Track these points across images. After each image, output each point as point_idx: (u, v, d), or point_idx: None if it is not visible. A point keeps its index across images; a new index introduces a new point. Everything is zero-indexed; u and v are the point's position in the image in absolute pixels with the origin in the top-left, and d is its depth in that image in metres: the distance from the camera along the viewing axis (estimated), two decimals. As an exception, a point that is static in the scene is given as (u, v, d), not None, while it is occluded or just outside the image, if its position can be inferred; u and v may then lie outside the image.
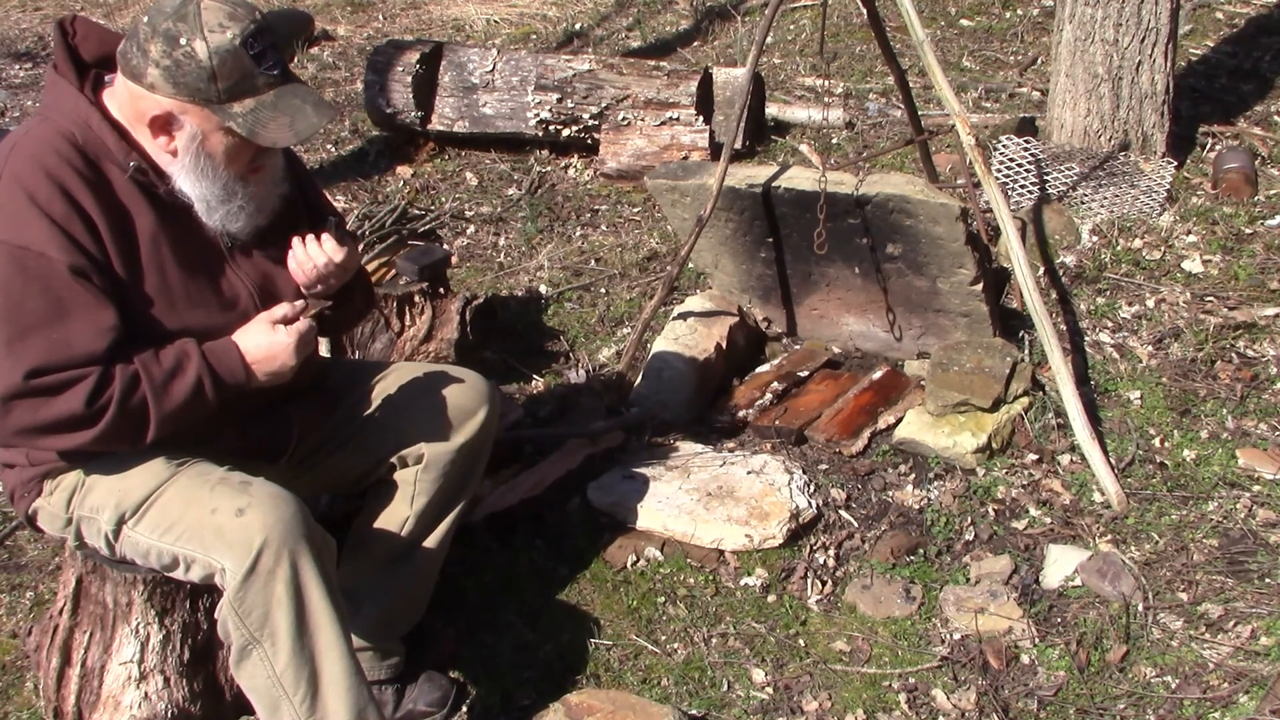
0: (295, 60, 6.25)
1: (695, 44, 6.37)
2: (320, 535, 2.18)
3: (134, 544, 2.22)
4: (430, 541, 2.57)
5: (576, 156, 5.15)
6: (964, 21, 6.31)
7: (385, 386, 2.58)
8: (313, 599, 2.13)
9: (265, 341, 2.19)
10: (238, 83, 2.06)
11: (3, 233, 2.01)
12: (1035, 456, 3.34)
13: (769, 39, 5.32)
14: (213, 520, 2.13)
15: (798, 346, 3.90)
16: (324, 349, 3.31)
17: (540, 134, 5.09)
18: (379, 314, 3.55)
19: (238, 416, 2.31)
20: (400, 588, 2.57)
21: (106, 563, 2.35)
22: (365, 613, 2.52)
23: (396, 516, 2.52)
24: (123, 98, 2.12)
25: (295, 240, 2.28)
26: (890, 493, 3.26)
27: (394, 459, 2.52)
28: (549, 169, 5.13)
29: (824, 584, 2.99)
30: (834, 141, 5.11)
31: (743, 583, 2.99)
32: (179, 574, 2.22)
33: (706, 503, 3.11)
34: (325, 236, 2.29)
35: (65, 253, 2.01)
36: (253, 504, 2.13)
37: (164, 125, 2.09)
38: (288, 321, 2.21)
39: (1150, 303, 3.93)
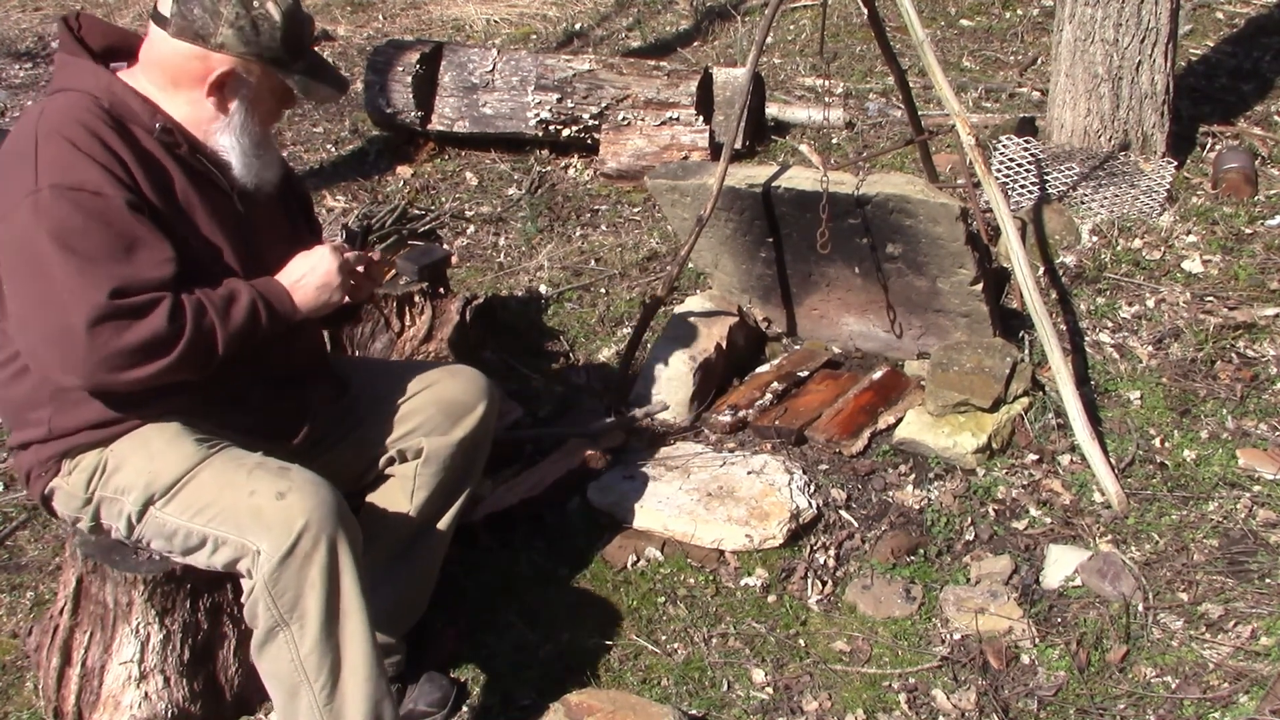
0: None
1: (695, 44, 6.37)
2: (354, 525, 2.21)
3: (159, 525, 2.23)
4: (431, 538, 2.59)
5: (576, 156, 5.16)
6: (964, 21, 6.31)
7: (385, 382, 2.60)
8: (345, 585, 2.16)
9: (304, 264, 2.28)
10: (296, 44, 2.21)
11: (55, 178, 2.04)
12: (1035, 456, 3.34)
13: (769, 39, 5.32)
14: (251, 502, 2.16)
15: (798, 346, 3.90)
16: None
17: (540, 134, 5.09)
18: (379, 314, 3.54)
19: (263, 384, 2.34)
20: (401, 584, 2.57)
21: (106, 561, 2.35)
22: (367, 610, 2.53)
23: (397, 512, 2.53)
24: (162, 63, 2.18)
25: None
26: (890, 493, 3.26)
27: (394, 453, 2.54)
28: (549, 169, 5.13)
29: (824, 584, 2.99)
30: (834, 141, 5.11)
31: (743, 583, 2.99)
32: (201, 557, 2.23)
33: (706, 503, 3.11)
34: (365, 256, 2.44)
35: (119, 190, 2.07)
36: (294, 488, 2.16)
37: (222, 83, 2.18)
38: None
39: (1150, 303, 3.93)
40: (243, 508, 2.16)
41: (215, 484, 2.20)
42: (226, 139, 2.23)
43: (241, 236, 2.28)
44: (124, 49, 2.27)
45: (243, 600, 2.20)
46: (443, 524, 2.60)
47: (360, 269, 2.39)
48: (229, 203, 2.28)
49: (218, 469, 2.21)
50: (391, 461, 2.55)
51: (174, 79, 2.19)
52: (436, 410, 2.53)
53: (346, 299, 2.35)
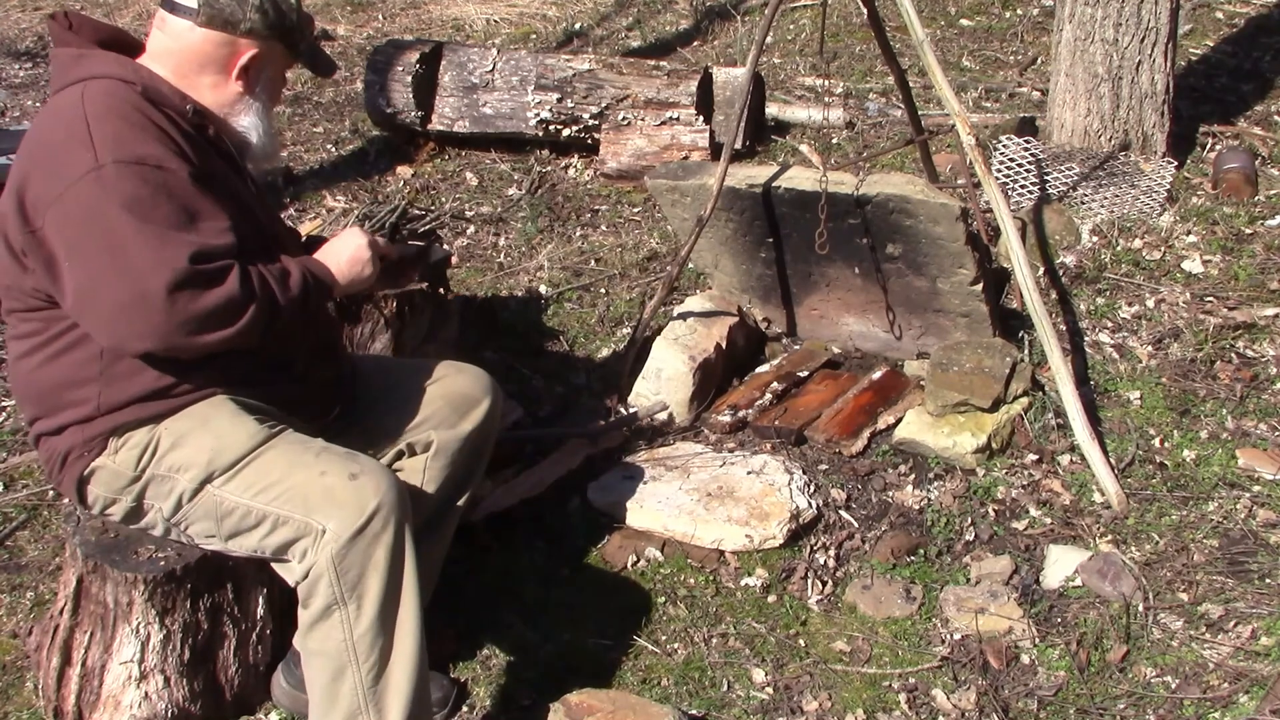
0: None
1: (695, 44, 6.37)
2: (412, 516, 2.25)
3: (213, 504, 2.24)
4: (436, 532, 2.61)
5: (576, 156, 5.15)
6: (964, 21, 6.32)
7: (391, 377, 2.63)
8: (406, 570, 2.20)
9: (337, 245, 2.38)
10: (304, 27, 2.35)
11: (117, 153, 2.07)
12: (1035, 457, 3.34)
13: (769, 39, 5.32)
14: (323, 482, 2.19)
15: (798, 346, 3.90)
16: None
17: (540, 134, 5.09)
18: (379, 314, 3.54)
19: (305, 353, 2.39)
20: None
21: (106, 561, 2.35)
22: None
23: None
24: (184, 51, 2.25)
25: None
26: (890, 493, 3.26)
27: (403, 446, 2.56)
28: (549, 169, 5.13)
29: (824, 584, 2.99)
30: (834, 141, 5.11)
31: (743, 583, 2.99)
32: (252, 539, 2.25)
33: (706, 503, 3.11)
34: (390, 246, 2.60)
35: (180, 163, 2.12)
36: (365, 471, 2.22)
37: (249, 66, 2.28)
38: None
39: (1150, 303, 3.93)
40: (314, 487, 2.19)
41: (283, 463, 2.23)
42: (249, 119, 2.32)
43: (260, 217, 2.35)
44: (118, 43, 2.31)
45: (294, 581, 2.23)
46: (447, 519, 2.63)
47: (384, 254, 2.49)
48: (247, 186, 2.35)
49: (284, 450, 2.25)
50: (400, 455, 2.56)
51: (198, 66, 2.26)
52: (445, 404, 2.57)
53: (377, 277, 2.43)
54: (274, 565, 2.31)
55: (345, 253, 2.37)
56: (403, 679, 2.21)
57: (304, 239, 2.76)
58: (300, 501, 2.20)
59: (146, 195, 2.06)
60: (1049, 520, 3.16)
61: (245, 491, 2.23)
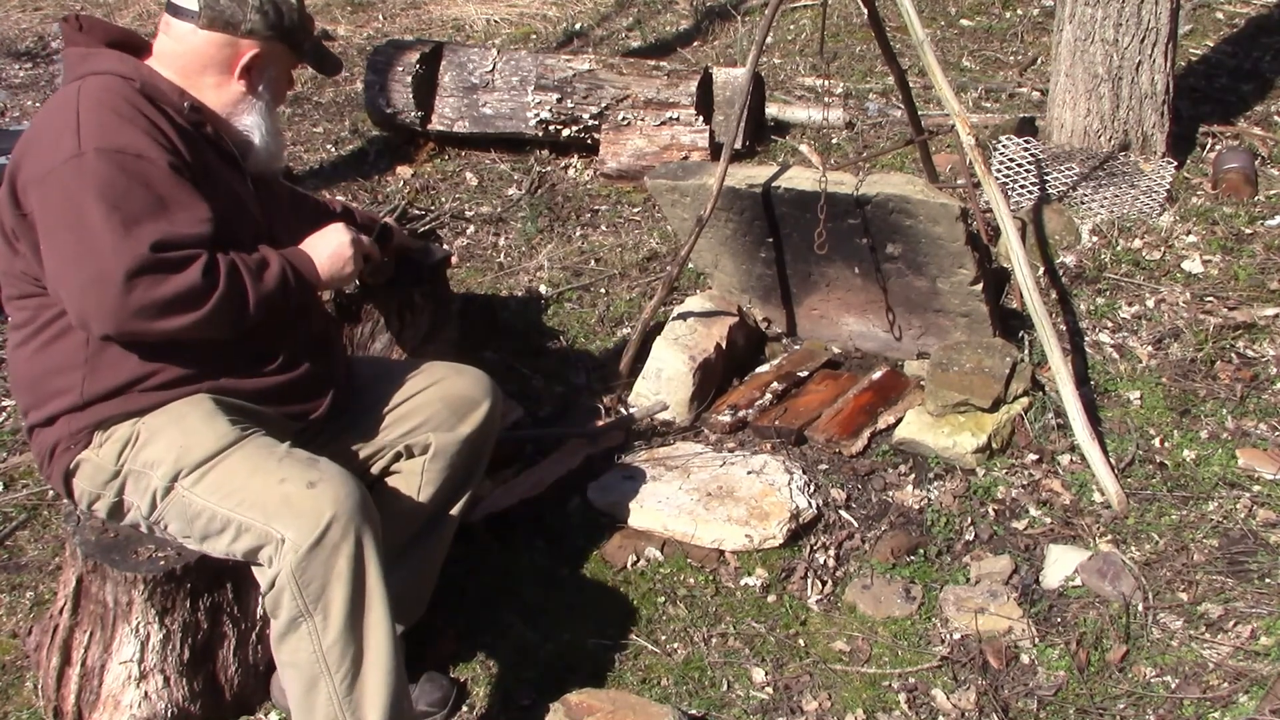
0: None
1: (695, 44, 6.37)
2: (377, 519, 2.23)
3: (184, 505, 2.24)
4: (435, 534, 2.61)
5: (576, 156, 5.15)
6: (964, 21, 6.31)
7: (390, 378, 2.63)
8: (370, 578, 2.18)
9: (322, 241, 2.40)
10: (307, 25, 2.39)
11: (98, 141, 2.11)
12: (1035, 456, 3.34)
13: (769, 39, 5.32)
14: (281, 490, 2.18)
15: (798, 346, 3.90)
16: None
17: (540, 134, 5.09)
18: (379, 314, 3.54)
19: (291, 345, 2.39)
20: (405, 581, 2.57)
21: (106, 560, 2.35)
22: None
23: (403, 508, 2.54)
24: (187, 53, 2.30)
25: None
26: (890, 493, 3.26)
27: (400, 448, 2.55)
28: (549, 169, 5.13)
29: (824, 584, 2.99)
30: (834, 141, 5.11)
31: (743, 583, 2.99)
32: (221, 543, 2.24)
33: (706, 503, 3.11)
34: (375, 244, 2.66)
35: (161, 153, 2.15)
36: (323, 478, 2.19)
37: (251, 66, 2.33)
38: None
39: (1150, 303, 3.93)
40: (272, 494, 2.18)
41: (246, 468, 2.22)
42: (252, 118, 2.36)
43: (256, 216, 2.36)
44: (127, 44, 2.35)
45: (262, 592, 2.21)
46: (446, 521, 2.62)
47: (369, 253, 2.52)
48: (245, 184, 2.37)
49: (249, 453, 2.24)
50: (399, 457, 2.56)
51: (201, 67, 2.31)
52: (443, 406, 2.56)
53: (360, 273, 2.47)
54: (253, 570, 2.30)
55: (328, 248, 2.39)
56: (378, 686, 2.19)
57: (341, 210, 2.85)
58: (260, 509, 2.18)
59: (122, 183, 2.09)
60: (1049, 520, 3.16)
61: (212, 494, 2.22)
